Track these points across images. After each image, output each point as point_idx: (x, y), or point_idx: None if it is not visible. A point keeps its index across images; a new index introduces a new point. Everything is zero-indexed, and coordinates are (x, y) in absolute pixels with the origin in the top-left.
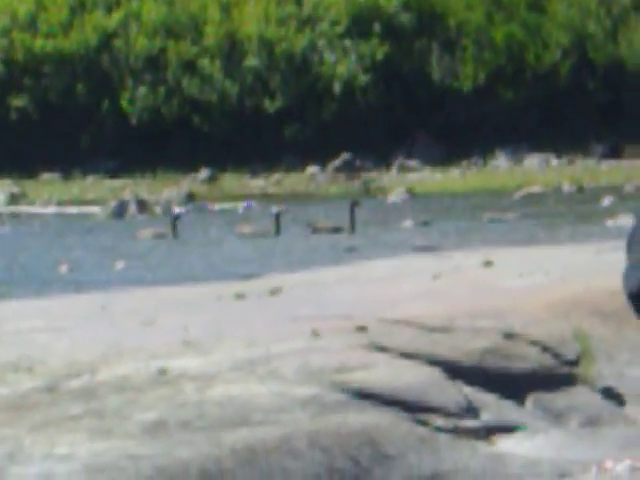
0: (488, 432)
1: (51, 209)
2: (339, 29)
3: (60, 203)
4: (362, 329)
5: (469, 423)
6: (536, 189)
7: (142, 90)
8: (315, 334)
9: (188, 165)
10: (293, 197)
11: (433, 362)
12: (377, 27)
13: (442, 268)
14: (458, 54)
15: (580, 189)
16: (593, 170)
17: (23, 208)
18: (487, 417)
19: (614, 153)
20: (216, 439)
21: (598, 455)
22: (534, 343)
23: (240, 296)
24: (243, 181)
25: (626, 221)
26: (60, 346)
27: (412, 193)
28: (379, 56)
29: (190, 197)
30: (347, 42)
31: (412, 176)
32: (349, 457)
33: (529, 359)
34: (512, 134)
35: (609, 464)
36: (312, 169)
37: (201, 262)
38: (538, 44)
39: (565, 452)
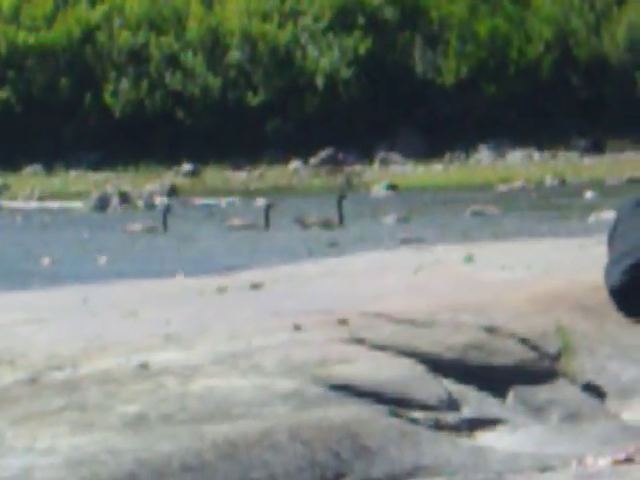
0: (469, 426)
1: (33, 204)
2: (322, 23)
3: (42, 196)
4: (344, 322)
5: (450, 417)
6: (519, 183)
7: (125, 84)
8: (297, 328)
9: (171, 158)
10: (276, 191)
11: (414, 356)
12: (360, 21)
13: (424, 262)
14: (441, 48)
15: (563, 183)
16: (575, 164)
17: (5, 202)
18: (468, 411)
19: (596, 148)
20: (197, 433)
21: (579, 450)
22: (516, 337)
23: (222, 290)
24: (226, 175)
25: (608, 215)
26: (42, 339)
27: (394, 187)
28: (362, 50)
29: (172, 190)
30: (330, 36)
31: (395, 170)
32: (330, 451)
33: (510, 353)
34: (495, 128)
35: (590, 459)
36: (295, 163)
37: (190, 255)
38: (521, 38)
39: (546, 446)
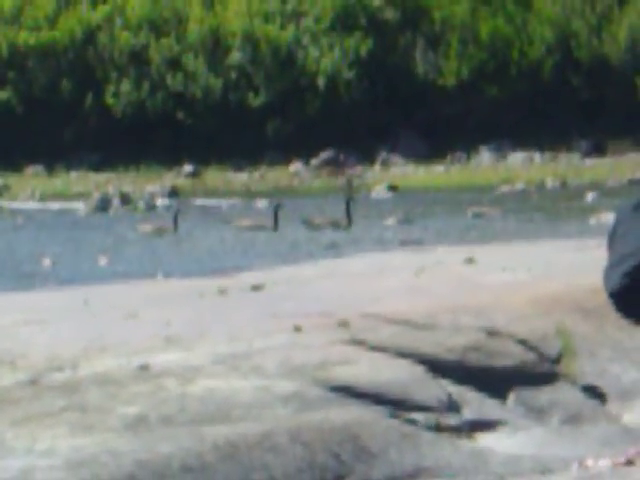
0: (469, 428)
1: (34, 205)
2: (323, 24)
3: (43, 197)
4: (344, 324)
5: (450, 419)
6: (520, 185)
7: (126, 85)
8: (297, 329)
9: (172, 160)
10: (277, 192)
11: (415, 358)
12: (361, 22)
13: (424, 264)
14: (442, 49)
15: (563, 185)
16: (577, 166)
17: (6, 203)
18: (468, 413)
19: (598, 150)
20: (198, 434)
21: (579, 452)
22: (516, 340)
23: (223, 291)
24: (227, 176)
25: (609, 217)
26: (42, 340)
27: (395, 188)
28: (363, 51)
29: (173, 191)
30: (331, 37)
31: (395, 172)
32: (330, 453)
33: (511, 356)
34: (496, 130)
35: (590, 461)
36: (295, 165)
37: (199, 255)
38: (523, 40)
39: (546, 449)
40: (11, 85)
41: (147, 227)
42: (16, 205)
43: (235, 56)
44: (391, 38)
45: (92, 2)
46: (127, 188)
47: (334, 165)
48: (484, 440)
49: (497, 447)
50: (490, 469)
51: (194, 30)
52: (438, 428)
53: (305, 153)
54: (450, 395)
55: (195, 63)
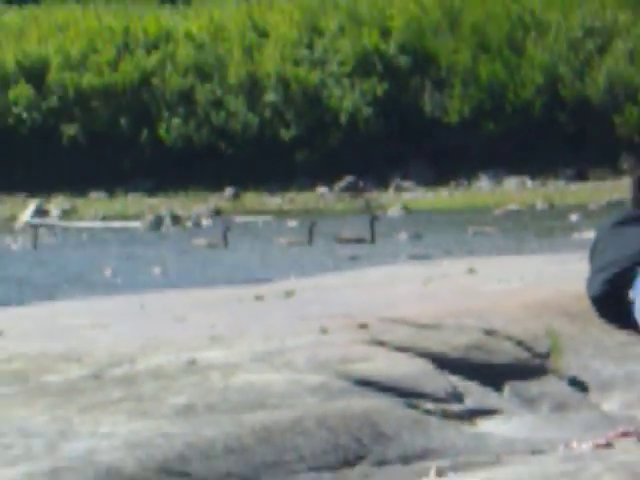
0: (471, 415)
1: (97, 224)
2: (346, 69)
3: (105, 217)
4: (364, 326)
5: (455, 407)
6: (513, 207)
7: (176, 121)
8: (323, 330)
9: (215, 185)
10: (305, 213)
11: (424, 355)
12: (378, 67)
13: (432, 274)
14: (447, 91)
15: (551, 207)
16: (562, 191)
17: (74, 222)
18: (470, 402)
19: (581, 176)
20: (238, 420)
21: (565, 435)
22: (511, 339)
23: (259, 297)
24: (262, 199)
25: (590, 235)
26: (104, 340)
27: (407, 209)
28: (379, 92)
29: (217, 212)
30: (352, 80)
31: (407, 195)
32: (352, 436)
33: (506, 352)
34: (493, 160)
35: (575, 443)
36: (321, 189)
37: (248, 266)
38: (517, 83)
39: (537, 433)
40: (77, 121)
41: (201, 241)
42: (82, 224)
43: (270, 96)
44: (403, 81)
45: (147, 50)
46: (177, 209)
47: (354, 189)
48: (484, 425)
49: (495, 431)
50: (489, 449)
51: (234, 74)
52: (444, 415)
53: (329, 179)
54: (455, 387)
55: (235, 102)
